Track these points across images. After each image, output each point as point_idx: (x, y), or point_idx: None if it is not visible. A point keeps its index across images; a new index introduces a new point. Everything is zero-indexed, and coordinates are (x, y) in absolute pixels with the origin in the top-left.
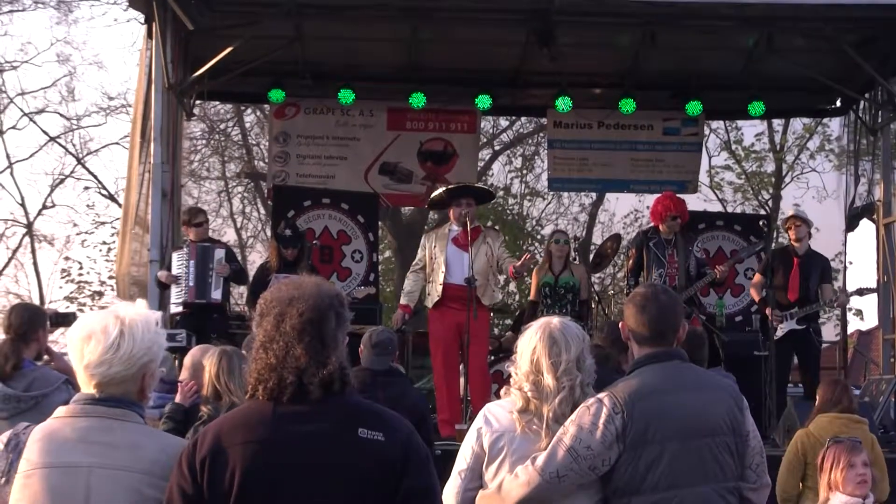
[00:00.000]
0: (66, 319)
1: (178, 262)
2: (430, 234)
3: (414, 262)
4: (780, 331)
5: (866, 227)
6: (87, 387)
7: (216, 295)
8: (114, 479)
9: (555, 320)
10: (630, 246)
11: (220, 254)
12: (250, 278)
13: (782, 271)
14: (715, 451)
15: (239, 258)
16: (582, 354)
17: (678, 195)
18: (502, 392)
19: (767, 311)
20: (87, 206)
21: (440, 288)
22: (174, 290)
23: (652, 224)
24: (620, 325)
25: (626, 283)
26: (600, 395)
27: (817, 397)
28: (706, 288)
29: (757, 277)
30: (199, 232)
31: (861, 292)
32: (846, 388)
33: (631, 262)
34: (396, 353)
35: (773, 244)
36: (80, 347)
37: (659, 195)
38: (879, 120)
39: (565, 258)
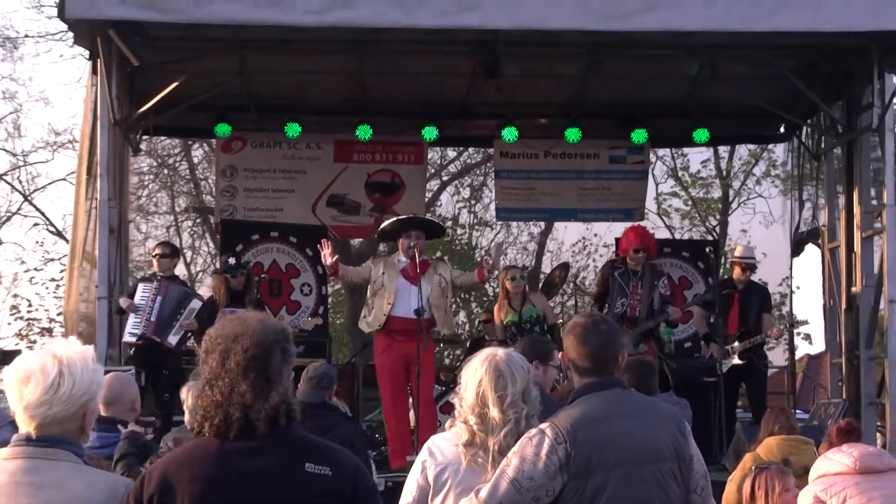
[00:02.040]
0: (10, 358)
1: (144, 294)
2: (378, 259)
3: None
4: (724, 366)
5: (812, 252)
6: (25, 427)
7: (173, 340)
8: None
9: (500, 352)
10: (598, 275)
11: (195, 305)
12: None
13: (722, 306)
14: (659, 477)
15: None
16: (527, 386)
17: (645, 228)
18: (447, 424)
19: (711, 346)
20: (37, 242)
21: (383, 318)
22: (132, 318)
23: (620, 256)
24: (560, 355)
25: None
26: (542, 426)
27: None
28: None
29: (698, 313)
30: (163, 264)
31: (793, 326)
32: (782, 410)
33: (597, 289)
34: (334, 388)
35: (721, 270)
36: (18, 389)
37: (628, 228)
38: (823, 145)
39: (522, 293)
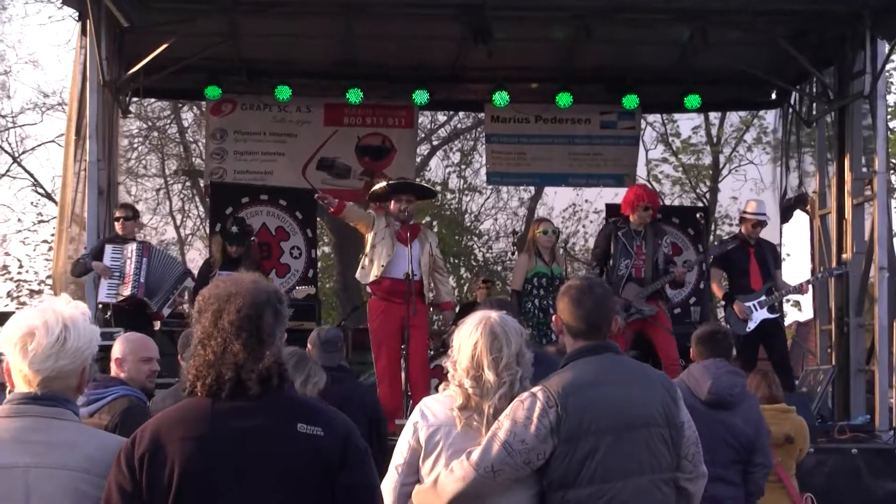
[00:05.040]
0: (3, 318)
1: (116, 255)
2: (380, 212)
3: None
4: (752, 323)
5: (800, 219)
6: (26, 385)
7: (166, 312)
8: (52, 477)
9: (493, 315)
10: (598, 235)
11: (190, 284)
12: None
13: (738, 262)
14: (650, 442)
15: (179, 256)
16: (521, 349)
17: (649, 187)
18: (441, 387)
19: (735, 305)
20: (32, 203)
21: (379, 273)
22: (107, 282)
23: (622, 214)
24: (554, 318)
25: (590, 271)
26: (534, 390)
27: None
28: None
29: (718, 273)
30: (127, 227)
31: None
32: (765, 376)
33: (598, 250)
34: (344, 352)
35: (711, 236)
36: (22, 343)
37: (633, 185)
38: (814, 112)
39: (553, 249)
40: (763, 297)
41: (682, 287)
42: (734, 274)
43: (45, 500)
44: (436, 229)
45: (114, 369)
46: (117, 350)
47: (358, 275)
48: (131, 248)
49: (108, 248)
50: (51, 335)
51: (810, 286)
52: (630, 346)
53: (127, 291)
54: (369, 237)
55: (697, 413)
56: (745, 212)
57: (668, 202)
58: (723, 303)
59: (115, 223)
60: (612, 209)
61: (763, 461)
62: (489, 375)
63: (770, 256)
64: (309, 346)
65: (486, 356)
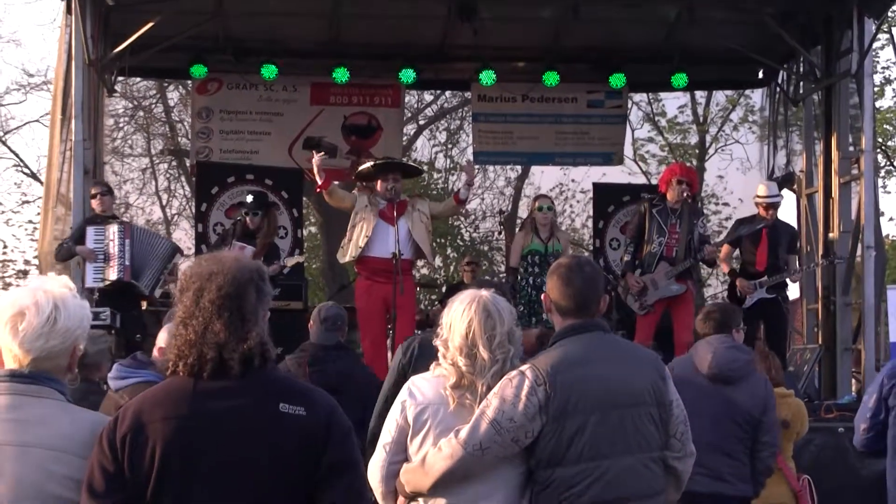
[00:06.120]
0: None
1: (98, 237)
2: (363, 192)
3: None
4: (750, 300)
5: (787, 198)
6: (14, 363)
7: (158, 292)
8: (23, 455)
9: (484, 293)
10: (633, 213)
11: (178, 259)
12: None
13: (750, 242)
14: (638, 421)
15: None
16: (512, 328)
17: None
18: (432, 366)
19: (738, 281)
20: (15, 184)
21: (357, 252)
22: (92, 265)
23: (660, 192)
24: (543, 296)
25: (625, 249)
26: (522, 368)
27: None
28: None
29: (726, 249)
30: (105, 203)
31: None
32: (765, 358)
33: (632, 227)
34: (346, 329)
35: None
36: (11, 325)
37: (671, 163)
38: (801, 91)
39: (551, 225)
40: (765, 278)
41: (714, 266)
42: (742, 252)
43: (13, 477)
44: None
45: (155, 356)
46: (161, 339)
47: (338, 254)
48: (113, 230)
49: (90, 230)
50: (41, 315)
51: (803, 272)
52: (660, 322)
53: (113, 275)
54: (351, 217)
55: (701, 387)
56: (757, 195)
57: (654, 181)
58: (725, 278)
59: (93, 200)
60: (599, 188)
61: (768, 439)
62: (483, 353)
63: (785, 240)
64: (311, 322)
65: (481, 334)
